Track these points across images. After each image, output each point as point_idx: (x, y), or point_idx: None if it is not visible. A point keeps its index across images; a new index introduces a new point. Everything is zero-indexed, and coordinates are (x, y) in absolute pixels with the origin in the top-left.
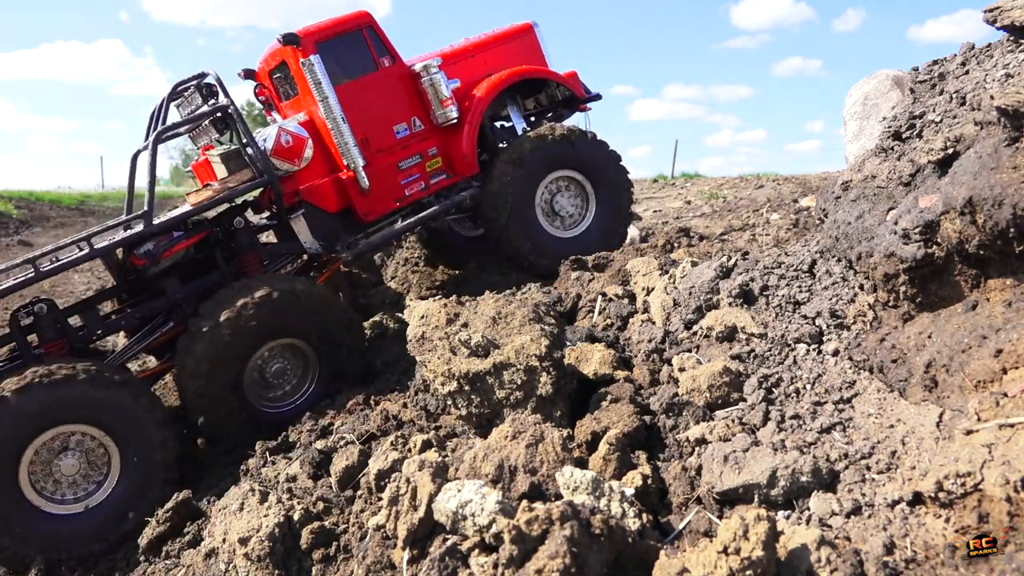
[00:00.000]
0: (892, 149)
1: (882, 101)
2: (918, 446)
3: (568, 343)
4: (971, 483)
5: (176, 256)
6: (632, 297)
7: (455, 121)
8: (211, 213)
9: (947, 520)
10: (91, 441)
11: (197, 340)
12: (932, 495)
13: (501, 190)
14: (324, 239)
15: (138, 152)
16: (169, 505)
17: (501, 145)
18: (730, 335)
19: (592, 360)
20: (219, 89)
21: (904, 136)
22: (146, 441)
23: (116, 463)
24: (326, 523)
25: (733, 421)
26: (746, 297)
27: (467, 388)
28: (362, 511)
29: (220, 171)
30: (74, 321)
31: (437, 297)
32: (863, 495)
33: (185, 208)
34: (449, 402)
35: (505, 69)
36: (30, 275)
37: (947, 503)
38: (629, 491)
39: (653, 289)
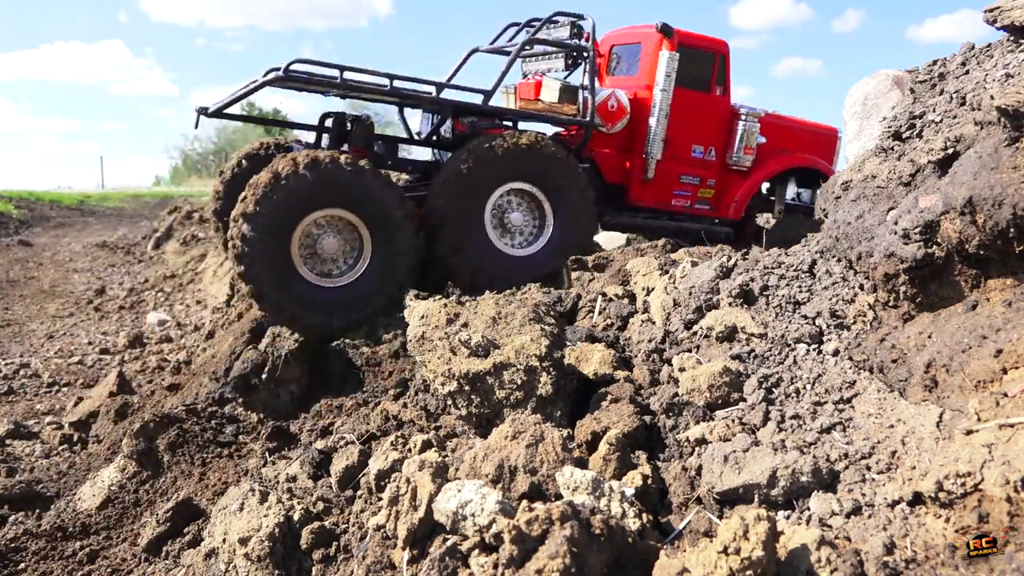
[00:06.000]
0: (892, 149)
1: (882, 101)
2: (918, 446)
3: (568, 343)
4: (971, 483)
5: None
6: (632, 297)
7: (745, 169)
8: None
9: (947, 520)
10: (349, 227)
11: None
12: (932, 495)
13: None
14: None
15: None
16: (169, 505)
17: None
18: (730, 335)
19: (592, 360)
20: (591, 35)
21: (904, 136)
22: (394, 231)
23: (368, 246)
24: (326, 523)
25: (733, 421)
26: (746, 297)
27: (467, 388)
28: (362, 511)
29: (549, 96)
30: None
31: (437, 297)
32: (863, 495)
33: (509, 107)
34: (449, 402)
35: (801, 153)
36: (384, 86)
37: (947, 503)
38: (629, 491)
39: (653, 289)
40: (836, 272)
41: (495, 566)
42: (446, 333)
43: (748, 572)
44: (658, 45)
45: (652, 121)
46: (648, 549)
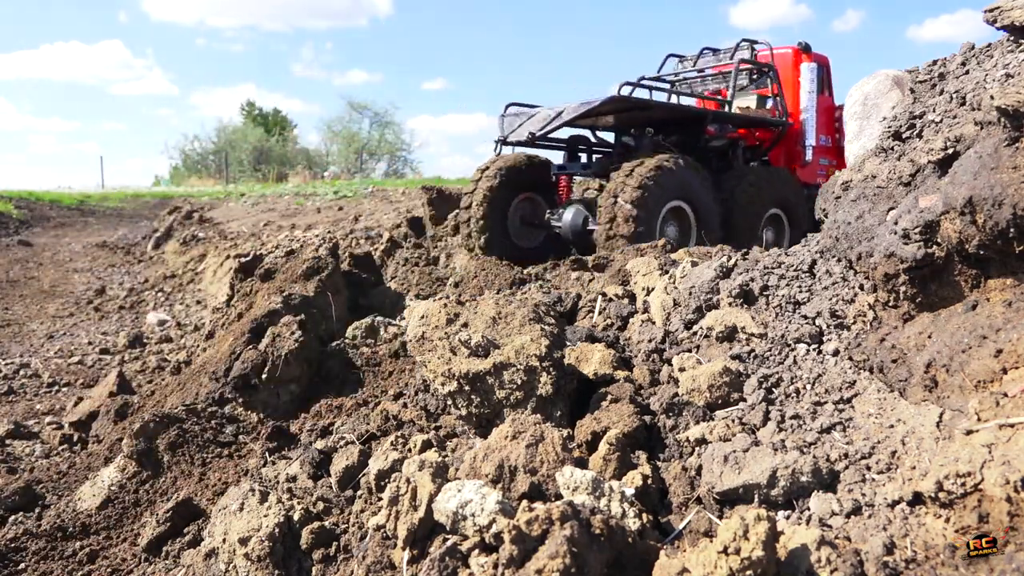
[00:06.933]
0: (892, 149)
1: (882, 101)
2: (918, 446)
3: (568, 343)
4: (971, 483)
5: (721, 140)
6: (632, 297)
7: None
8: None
9: (947, 520)
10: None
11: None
12: (932, 495)
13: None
14: None
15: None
16: (169, 505)
17: None
18: (730, 335)
19: (592, 360)
20: (770, 55)
21: (904, 136)
22: (712, 221)
23: (695, 232)
24: (326, 523)
25: (733, 421)
26: (746, 297)
27: (467, 388)
28: (362, 511)
29: (749, 104)
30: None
31: (437, 297)
32: (863, 495)
33: (736, 113)
34: (449, 402)
35: None
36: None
37: (947, 503)
38: (629, 491)
39: (653, 289)
40: (836, 272)
41: (495, 566)
42: (446, 333)
43: (748, 572)
44: (798, 59)
45: (806, 117)
46: (648, 549)
